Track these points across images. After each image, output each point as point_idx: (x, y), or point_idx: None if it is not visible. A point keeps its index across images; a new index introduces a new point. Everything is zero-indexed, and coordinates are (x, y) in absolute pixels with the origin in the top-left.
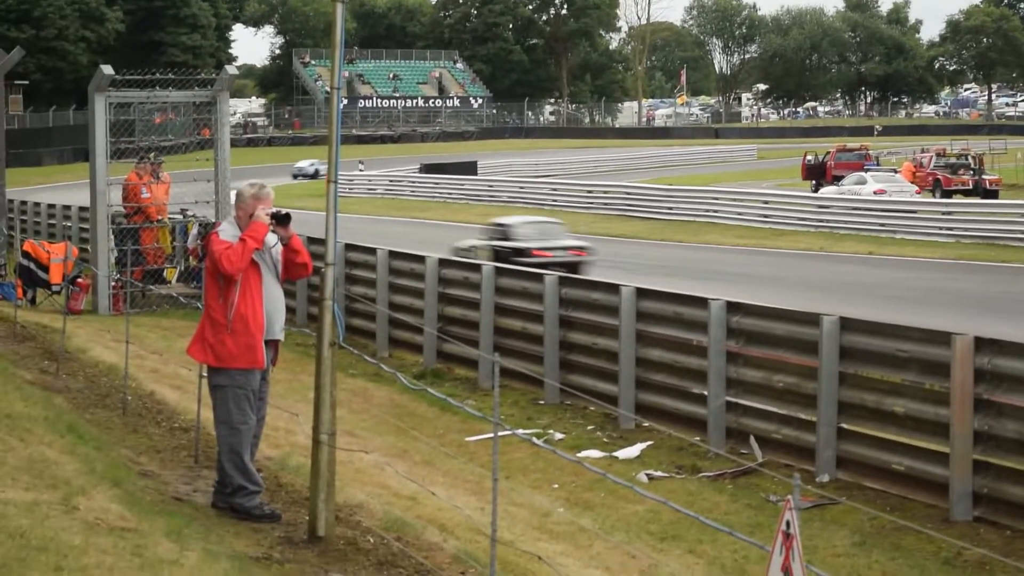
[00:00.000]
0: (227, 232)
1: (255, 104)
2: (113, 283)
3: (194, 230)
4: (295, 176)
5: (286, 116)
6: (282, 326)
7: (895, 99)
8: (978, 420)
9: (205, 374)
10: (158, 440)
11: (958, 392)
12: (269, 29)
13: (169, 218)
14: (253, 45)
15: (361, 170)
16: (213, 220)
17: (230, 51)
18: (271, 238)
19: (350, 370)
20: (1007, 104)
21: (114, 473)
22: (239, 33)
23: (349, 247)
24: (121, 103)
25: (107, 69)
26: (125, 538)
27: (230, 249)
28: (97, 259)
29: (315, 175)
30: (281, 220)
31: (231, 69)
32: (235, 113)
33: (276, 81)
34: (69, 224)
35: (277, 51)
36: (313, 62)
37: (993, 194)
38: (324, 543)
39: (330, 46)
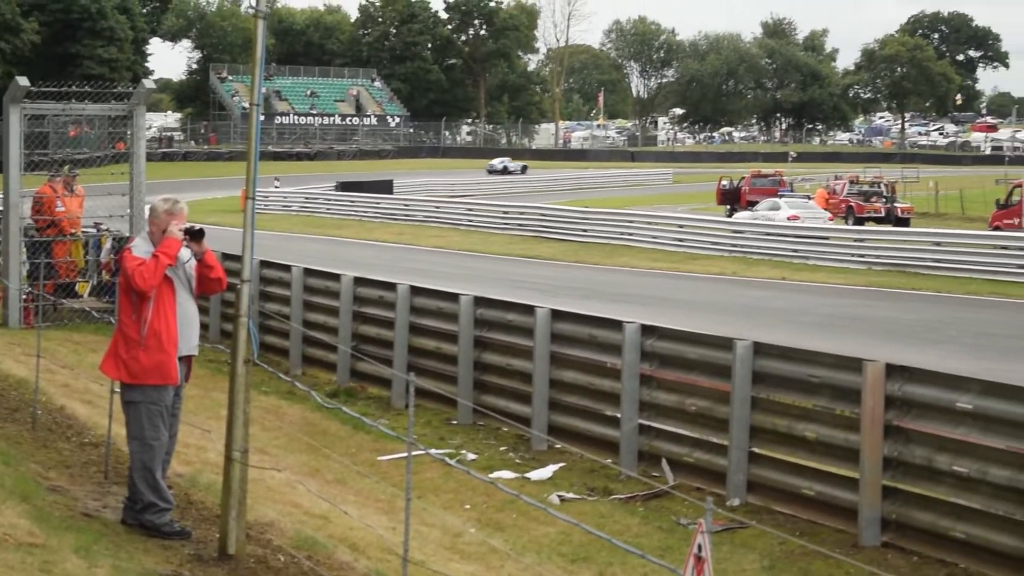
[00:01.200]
0: (140, 248)
1: (171, 119)
2: (24, 296)
3: (107, 244)
4: (489, 172)
5: (202, 131)
6: (196, 342)
7: (810, 126)
8: (887, 446)
9: (117, 389)
10: (68, 455)
11: (868, 418)
12: (186, 44)
13: (83, 232)
14: (170, 59)
15: (277, 187)
16: (127, 234)
17: (147, 65)
18: (184, 253)
19: (263, 387)
20: (920, 133)
21: (23, 488)
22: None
23: (264, 264)
24: (36, 115)
25: (22, 81)
26: (33, 554)
27: (143, 266)
28: (9, 272)
29: (504, 171)
30: (195, 235)
31: (148, 83)
32: (151, 127)
33: (193, 96)
34: None
35: (194, 66)
36: (230, 78)
37: (905, 222)
38: (234, 561)
39: (248, 62)
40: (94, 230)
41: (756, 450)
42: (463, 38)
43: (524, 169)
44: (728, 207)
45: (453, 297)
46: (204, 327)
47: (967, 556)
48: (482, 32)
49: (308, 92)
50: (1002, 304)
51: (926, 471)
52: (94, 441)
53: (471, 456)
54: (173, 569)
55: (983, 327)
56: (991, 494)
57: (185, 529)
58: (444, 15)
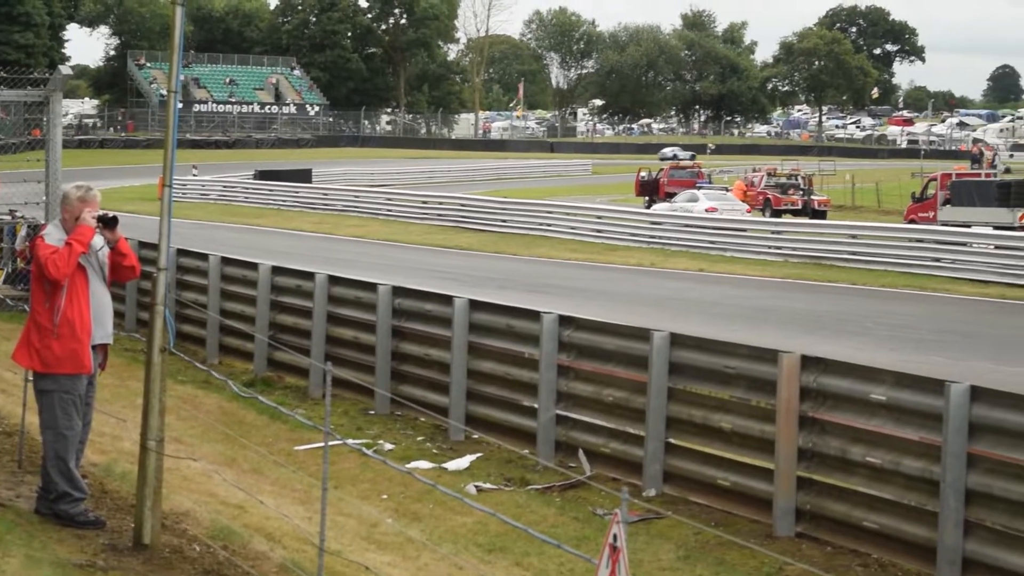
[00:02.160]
0: (52, 236)
1: (88, 105)
2: None
3: (22, 232)
4: (661, 159)
5: (120, 118)
6: (111, 330)
7: (728, 118)
8: (802, 437)
9: (31, 378)
10: None
11: (784, 409)
12: (104, 30)
13: None
14: (87, 45)
15: (195, 175)
16: (42, 222)
17: (64, 51)
18: (98, 241)
19: (179, 376)
20: (837, 126)
21: None
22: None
23: (181, 252)
24: None
25: None
26: None
27: (56, 254)
28: None
29: (674, 158)
30: (108, 223)
31: (64, 69)
32: (67, 114)
33: (110, 83)
34: None
35: (112, 52)
36: (148, 64)
37: (821, 215)
38: (149, 551)
39: (167, 49)
40: (8, 218)
41: (672, 441)
42: (383, 27)
43: (693, 157)
44: (647, 198)
45: (371, 287)
46: (120, 315)
47: (880, 546)
48: (402, 21)
49: (227, 80)
50: (917, 296)
51: (840, 462)
52: (7, 430)
53: (388, 446)
54: (87, 559)
55: (898, 319)
56: (904, 485)
57: (100, 519)
58: (364, 4)
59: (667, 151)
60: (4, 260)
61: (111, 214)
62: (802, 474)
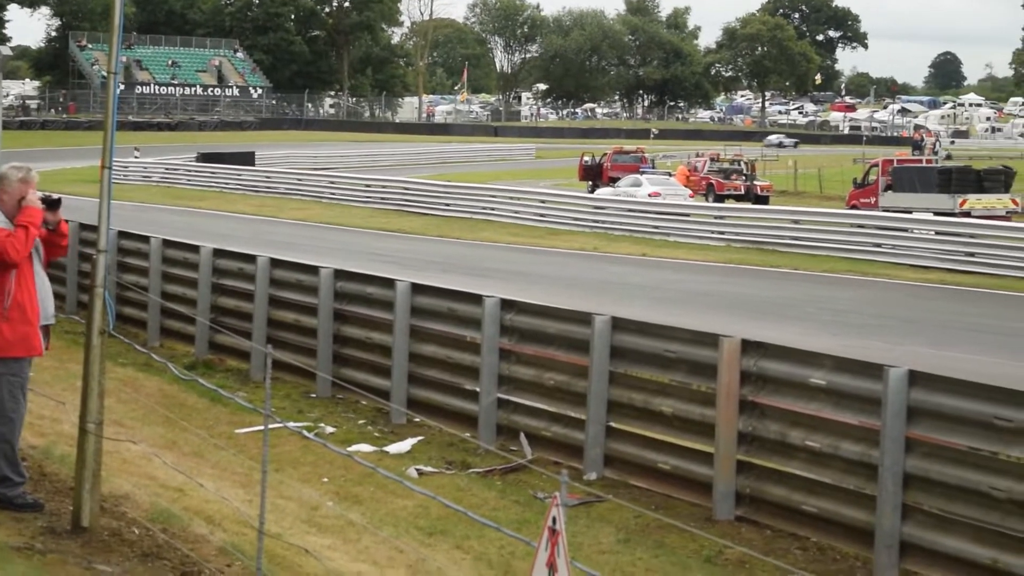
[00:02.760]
0: None
1: (29, 87)
2: None
3: None
4: (766, 146)
5: (61, 100)
6: (52, 312)
7: (672, 103)
8: (742, 421)
9: None
10: None
11: (724, 393)
12: (45, 11)
13: None
14: (29, 26)
15: (136, 157)
16: None
17: (4, 31)
18: None
19: (120, 359)
20: (780, 112)
21: None
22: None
23: (122, 235)
24: None
25: None
26: None
27: (12, 236)
28: None
29: (780, 145)
30: (51, 205)
31: (4, 50)
32: (8, 95)
33: (51, 64)
34: None
35: (53, 33)
36: (90, 46)
37: (764, 200)
38: (88, 534)
39: (108, 30)
40: None
41: (613, 424)
42: (327, 10)
43: (796, 144)
44: (590, 183)
45: (313, 270)
46: (61, 298)
47: (819, 530)
48: (346, 4)
49: (169, 62)
50: (858, 282)
51: (780, 446)
52: None
53: (329, 429)
54: (25, 541)
55: (840, 304)
56: (843, 469)
57: (38, 501)
58: None
59: (773, 139)
60: None
61: (55, 196)
62: (742, 458)
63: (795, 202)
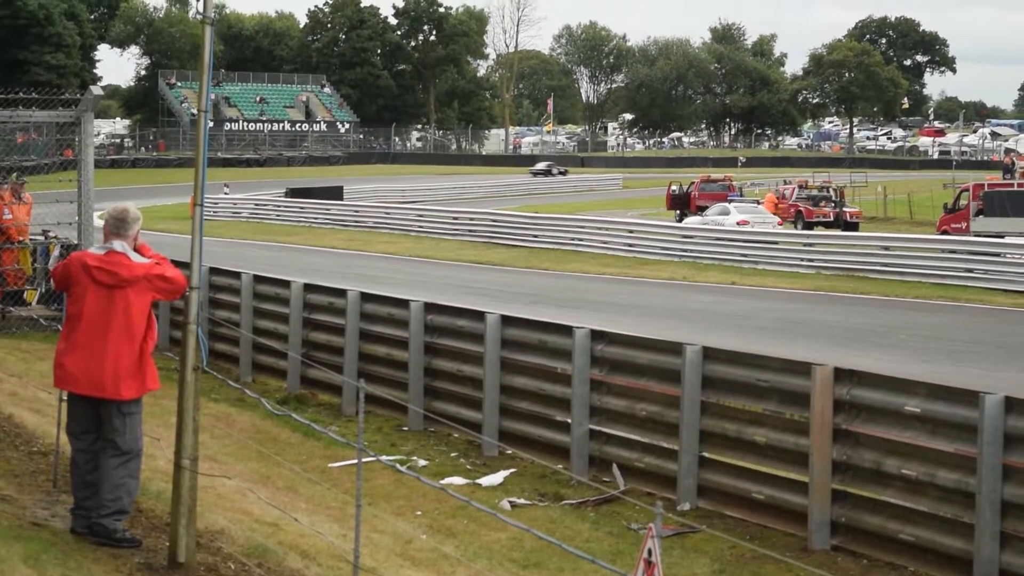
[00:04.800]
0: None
1: (120, 125)
2: None
3: (56, 252)
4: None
5: (151, 138)
6: None
7: (759, 131)
8: (837, 450)
9: (65, 398)
10: (16, 464)
11: (817, 422)
12: (135, 50)
13: (31, 239)
14: (118, 65)
15: (226, 193)
16: (75, 242)
17: (95, 71)
18: None
19: (213, 395)
20: (868, 138)
21: None
22: (104, 53)
23: (213, 271)
24: None
25: None
26: None
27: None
28: None
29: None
30: None
31: (96, 89)
32: (99, 134)
33: (141, 102)
34: None
35: (143, 72)
36: (179, 84)
37: (853, 226)
38: (184, 569)
39: (196, 68)
40: (42, 238)
41: (706, 454)
42: (412, 44)
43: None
44: (678, 212)
45: (403, 303)
46: None
47: (916, 559)
48: (431, 38)
49: (257, 98)
50: (950, 307)
51: (875, 474)
52: (42, 450)
53: (422, 462)
54: None
55: (931, 331)
56: (939, 497)
57: (135, 537)
58: (393, 21)
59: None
60: (38, 280)
61: None
62: (837, 487)
63: (885, 228)
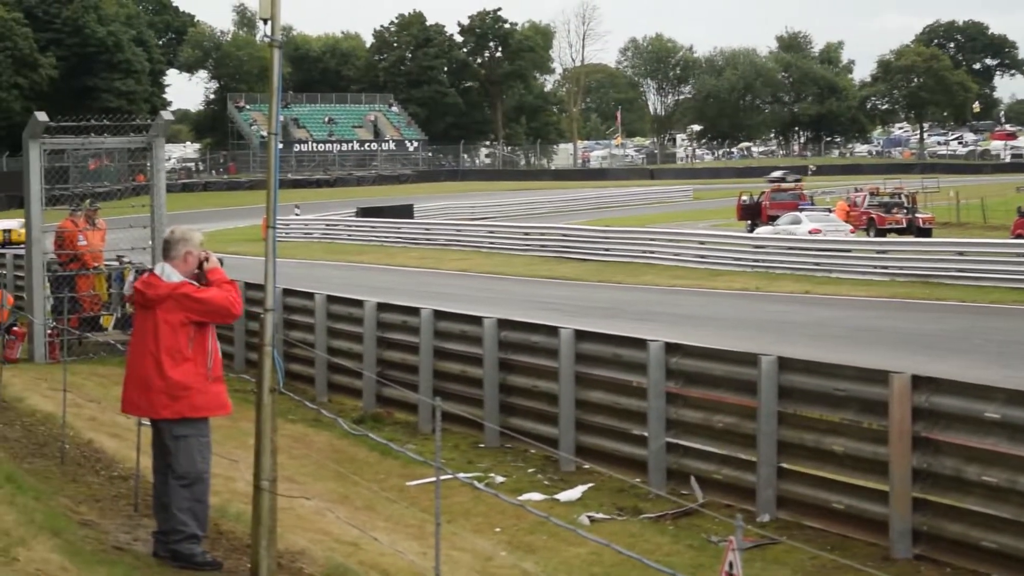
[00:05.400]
0: (175, 278)
1: (190, 149)
2: (49, 331)
3: (130, 276)
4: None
5: (221, 161)
6: None
7: (828, 138)
8: (916, 458)
9: (145, 423)
10: (97, 489)
11: (896, 430)
12: (203, 74)
13: (105, 265)
14: (187, 90)
15: (297, 214)
16: (149, 267)
17: (164, 96)
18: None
19: (289, 416)
20: (939, 143)
21: (54, 523)
22: (173, 78)
23: (287, 292)
24: (55, 150)
25: (41, 116)
26: None
27: (232, 293)
28: (33, 307)
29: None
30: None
31: (166, 114)
32: (170, 158)
33: (211, 126)
34: (4, 272)
35: (212, 96)
36: (248, 107)
37: (927, 232)
38: None
39: (265, 90)
40: (116, 263)
41: (784, 465)
42: (479, 61)
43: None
44: (749, 222)
45: (477, 320)
46: (229, 357)
47: (1000, 566)
48: (498, 54)
49: (326, 119)
50: None
51: (956, 482)
52: (123, 474)
53: (500, 479)
54: None
55: (1008, 336)
56: (1021, 503)
57: (216, 560)
58: (459, 38)
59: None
60: (114, 305)
61: (217, 257)
62: (917, 495)
63: (958, 233)
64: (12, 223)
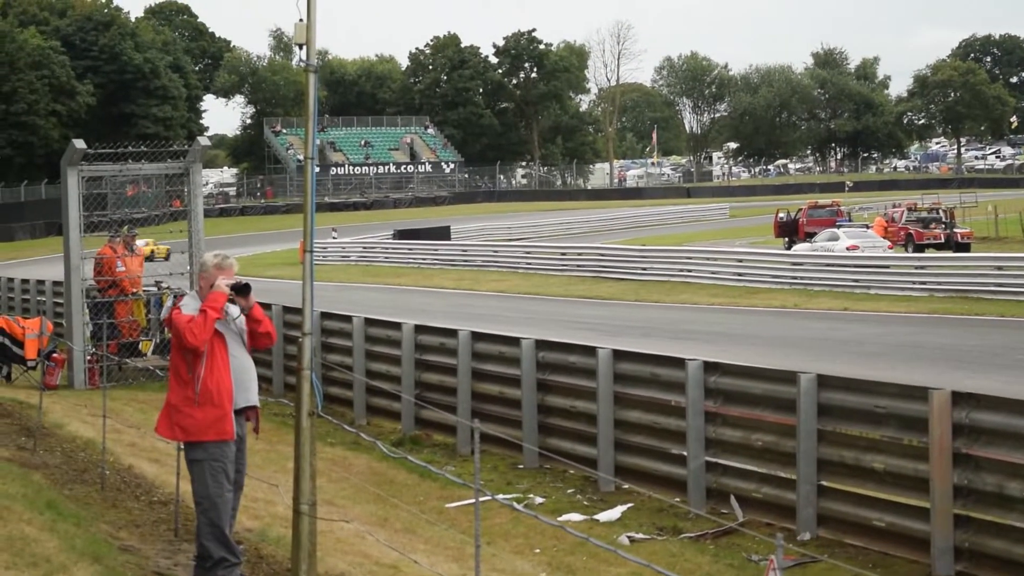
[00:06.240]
0: (189, 306)
1: (227, 174)
2: (89, 357)
3: (169, 302)
4: None
5: (258, 185)
6: (254, 395)
7: (865, 154)
8: (957, 474)
9: (183, 447)
10: (137, 514)
11: (936, 447)
12: (239, 99)
13: (144, 291)
14: (224, 115)
15: (334, 237)
16: (187, 292)
17: (201, 121)
18: (235, 308)
19: (329, 439)
20: (976, 157)
21: (95, 549)
22: (209, 103)
23: (325, 315)
24: (93, 176)
25: (79, 143)
26: None
27: (192, 322)
28: (72, 333)
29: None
30: (240, 290)
31: (203, 140)
32: (207, 184)
33: (248, 151)
34: (43, 299)
35: (248, 121)
36: (284, 131)
37: (965, 247)
38: None
39: (301, 114)
40: (155, 288)
41: (824, 483)
42: (514, 82)
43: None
44: (786, 239)
45: (514, 341)
46: (267, 381)
47: None
48: (533, 75)
49: (362, 142)
50: None
51: (998, 498)
52: (163, 499)
53: (539, 500)
54: None
55: None
56: None
57: None
58: (494, 60)
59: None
60: (152, 331)
61: (243, 281)
62: (959, 512)
63: (997, 248)
64: None
